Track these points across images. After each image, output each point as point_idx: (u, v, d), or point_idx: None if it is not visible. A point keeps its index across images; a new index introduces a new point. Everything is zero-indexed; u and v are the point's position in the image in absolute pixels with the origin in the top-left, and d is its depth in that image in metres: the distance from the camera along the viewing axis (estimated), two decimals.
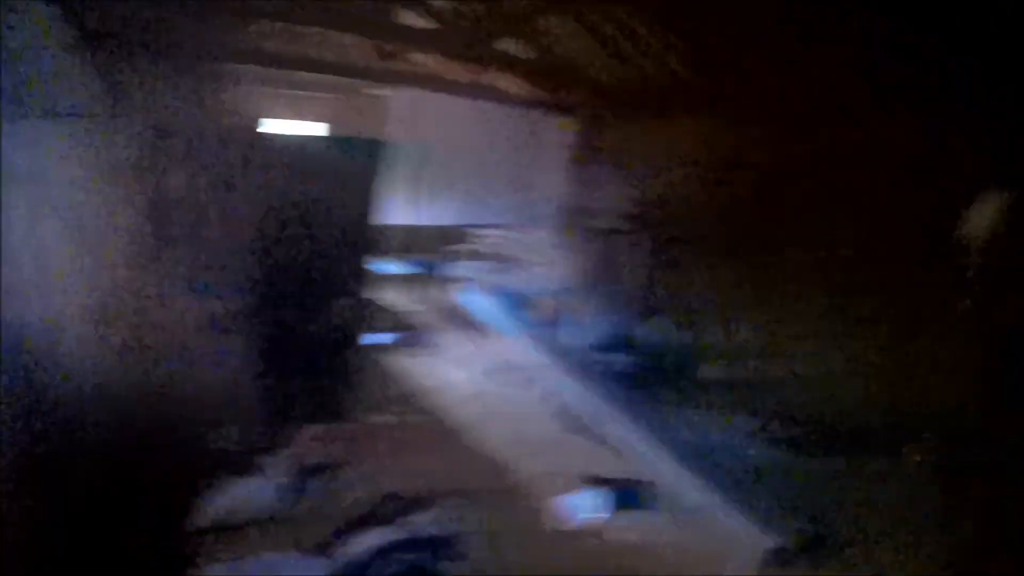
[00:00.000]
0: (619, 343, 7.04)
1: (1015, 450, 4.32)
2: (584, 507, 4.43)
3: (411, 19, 5.89)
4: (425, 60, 8.38)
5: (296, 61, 6.62)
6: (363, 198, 6.00)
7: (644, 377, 6.59)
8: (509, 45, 6.30)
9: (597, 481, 4.77)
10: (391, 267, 8.50)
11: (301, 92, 8.40)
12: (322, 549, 3.69)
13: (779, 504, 4.08)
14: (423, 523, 3.99)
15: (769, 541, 3.72)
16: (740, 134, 6.93)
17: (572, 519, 4.32)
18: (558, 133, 8.79)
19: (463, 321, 7.99)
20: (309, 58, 6.97)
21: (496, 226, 9.12)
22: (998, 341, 4.96)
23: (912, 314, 5.71)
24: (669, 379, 6.91)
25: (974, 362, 5.05)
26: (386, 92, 6.44)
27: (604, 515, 4.36)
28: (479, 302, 7.33)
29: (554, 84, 7.64)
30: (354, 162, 5.85)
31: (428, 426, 5.36)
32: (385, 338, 6.93)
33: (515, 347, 6.42)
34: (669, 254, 7.65)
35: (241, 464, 3.97)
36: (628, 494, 4.69)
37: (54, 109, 3.66)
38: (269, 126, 8.46)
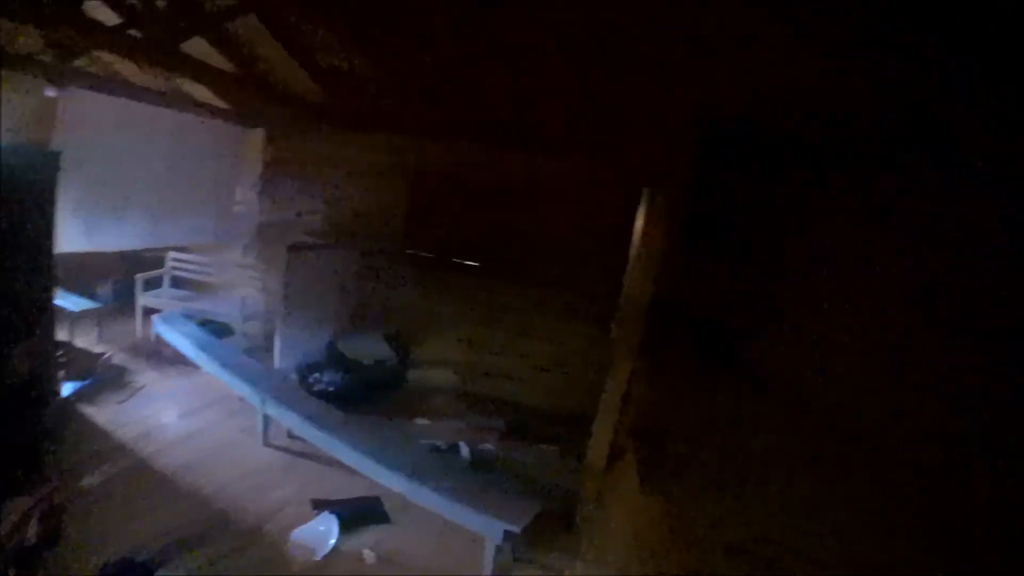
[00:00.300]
0: (330, 361, 7.05)
1: None
2: (315, 536, 4.46)
3: (99, 12, 5.35)
4: (110, 60, 7.65)
5: None
6: (39, 221, 5.34)
7: (359, 392, 6.67)
8: (202, 51, 6.00)
9: (326, 505, 4.82)
10: (78, 300, 7.53)
11: None
12: None
13: (505, 492, 4.35)
14: None
15: (500, 528, 4.01)
16: (431, 150, 7.28)
17: (307, 550, 4.32)
18: (252, 146, 8.56)
19: (162, 356, 7.42)
20: None
21: (189, 249, 8.61)
22: None
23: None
24: (383, 392, 7.08)
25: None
26: (64, 94, 5.80)
27: (335, 540, 4.45)
28: (178, 333, 6.90)
29: (247, 94, 7.39)
30: (27, 178, 5.15)
31: (139, 481, 4.93)
32: (78, 385, 6.19)
33: (222, 378, 6.16)
34: (371, 268, 7.82)
35: None
36: (359, 512, 4.79)
37: None
38: None
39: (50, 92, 5.91)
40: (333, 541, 4.44)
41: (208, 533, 4.43)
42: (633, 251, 4.47)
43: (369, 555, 4.37)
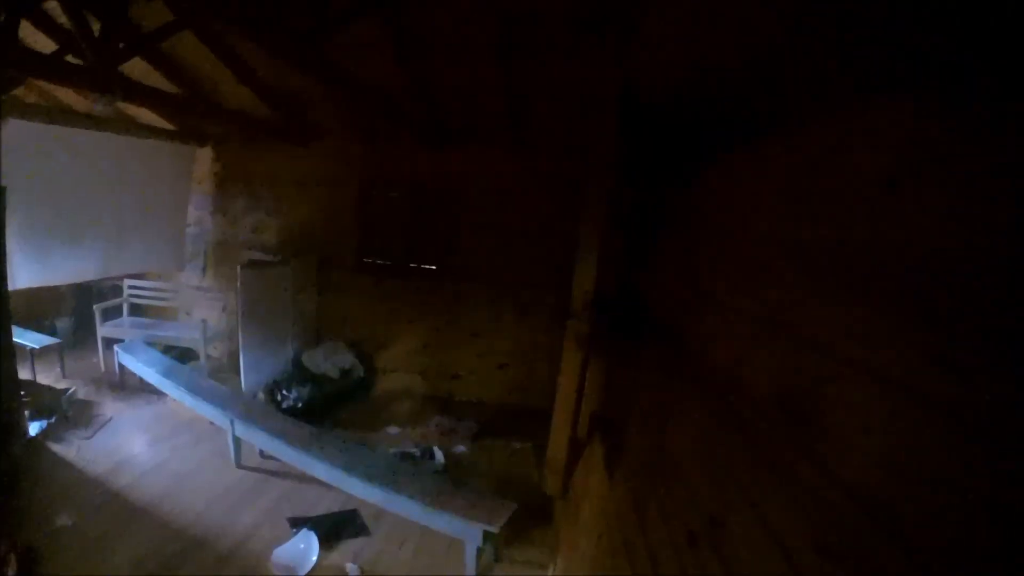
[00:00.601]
0: (296, 377, 7.04)
1: None
2: (296, 553, 4.48)
3: (33, 39, 5.31)
4: (49, 88, 7.57)
5: None
6: None
7: (327, 405, 6.70)
8: (142, 72, 5.96)
9: (304, 521, 4.84)
10: (37, 336, 7.42)
11: None
12: None
13: (480, 494, 4.41)
14: None
15: (478, 530, 4.09)
16: (378, 157, 7.34)
17: (288, 569, 4.35)
18: (200, 165, 8.48)
19: (128, 386, 7.36)
20: None
21: (145, 275, 8.53)
22: None
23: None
24: (351, 402, 7.11)
25: None
26: (4, 125, 5.71)
27: (316, 556, 4.47)
28: (141, 362, 6.82)
29: (192, 114, 7.31)
30: None
31: (112, 515, 4.86)
32: (44, 423, 6.07)
33: (189, 403, 6.12)
34: (328, 279, 7.84)
35: None
36: (337, 526, 4.81)
37: None
38: None
39: None
40: (315, 557, 4.47)
41: (188, 556, 4.45)
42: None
43: (352, 568, 4.40)
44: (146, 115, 7.63)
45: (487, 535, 4.10)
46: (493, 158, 6.97)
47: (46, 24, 5.33)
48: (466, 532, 4.18)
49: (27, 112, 6.11)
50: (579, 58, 4.70)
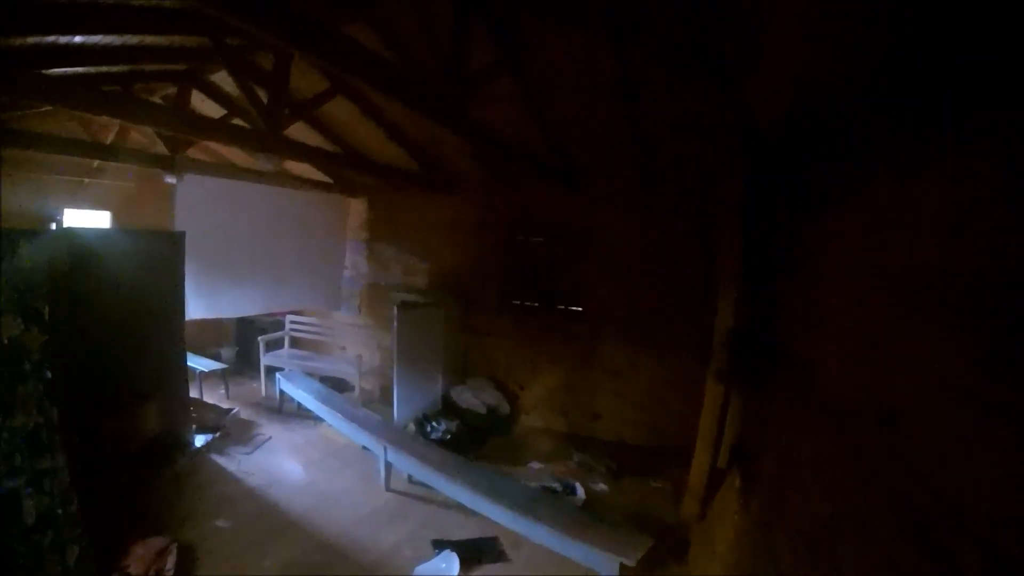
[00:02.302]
0: (444, 411, 7.17)
1: None
2: (437, 572, 4.50)
3: (206, 106, 5.94)
4: (218, 147, 8.42)
5: (88, 147, 6.45)
6: (170, 294, 5.85)
7: (473, 438, 6.76)
8: (300, 131, 6.47)
9: (446, 544, 4.86)
10: (205, 363, 8.24)
11: (95, 180, 8.09)
12: None
13: (618, 528, 4.27)
14: None
15: (615, 563, 3.93)
16: (521, 203, 7.51)
17: None
18: (356, 213, 9.01)
19: (285, 411, 7.86)
20: (100, 145, 6.81)
21: (305, 312, 9.10)
22: None
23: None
24: (495, 437, 7.15)
25: None
26: (180, 180, 6.37)
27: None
28: (300, 389, 7.24)
29: (345, 168, 7.88)
30: (159, 254, 5.71)
31: (266, 523, 5.15)
32: (208, 437, 6.59)
33: (345, 429, 6.40)
34: (474, 319, 7.99)
35: None
36: (477, 550, 4.81)
37: None
38: (68, 215, 8.11)
39: (169, 179, 6.45)
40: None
41: (332, 568, 4.57)
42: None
43: None
44: (305, 169, 8.27)
45: (623, 568, 3.99)
46: (626, 201, 6.93)
47: (213, 93, 5.86)
48: (602, 564, 4.03)
49: (199, 168, 6.72)
50: (699, 96, 4.70)
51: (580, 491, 5.75)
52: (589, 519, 4.50)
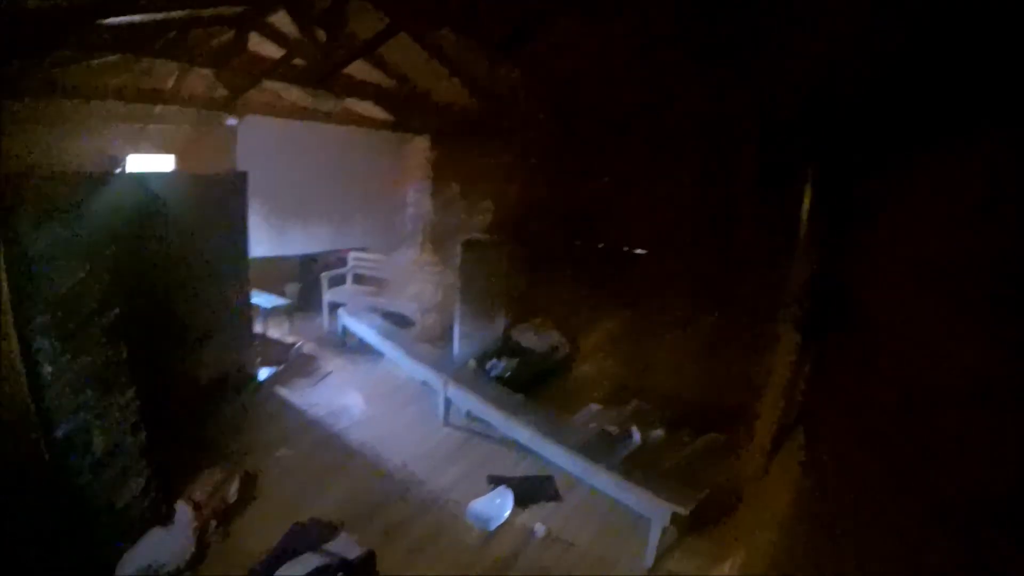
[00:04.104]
0: (504, 349, 7.18)
1: None
2: (492, 507, 4.57)
3: (262, 48, 5.93)
4: (278, 88, 8.42)
5: (149, 94, 6.55)
6: (236, 232, 5.95)
7: (532, 379, 6.76)
8: (360, 70, 6.41)
9: (502, 480, 4.92)
10: (269, 299, 8.39)
11: (156, 126, 8.22)
12: None
13: (671, 478, 4.24)
14: (337, 547, 4.00)
15: (668, 511, 3.89)
16: (583, 151, 7.34)
17: (482, 521, 4.44)
18: (419, 151, 8.96)
19: (347, 347, 8.03)
20: (162, 91, 6.91)
21: (368, 249, 9.18)
22: None
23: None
24: (554, 379, 7.15)
25: None
26: (242, 121, 6.43)
27: (509, 512, 4.53)
28: (363, 325, 7.36)
29: (408, 108, 7.83)
30: (222, 195, 5.80)
31: (327, 455, 5.34)
32: (272, 371, 6.88)
33: (405, 364, 6.51)
34: (539, 260, 7.91)
35: (144, 518, 3.88)
36: (532, 489, 4.85)
37: None
38: (127, 162, 8.26)
39: (231, 122, 6.48)
40: (507, 513, 4.52)
41: (390, 500, 4.71)
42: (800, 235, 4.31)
43: (540, 529, 4.38)
44: (366, 109, 8.14)
45: (675, 517, 3.97)
46: (691, 148, 6.67)
47: (272, 34, 5.81)
48: (655, 511, 3.99)
49: (260, 110, 6.73)
50: None
51: (637, 437, 5.71)
52: (644, 466, 4.46)
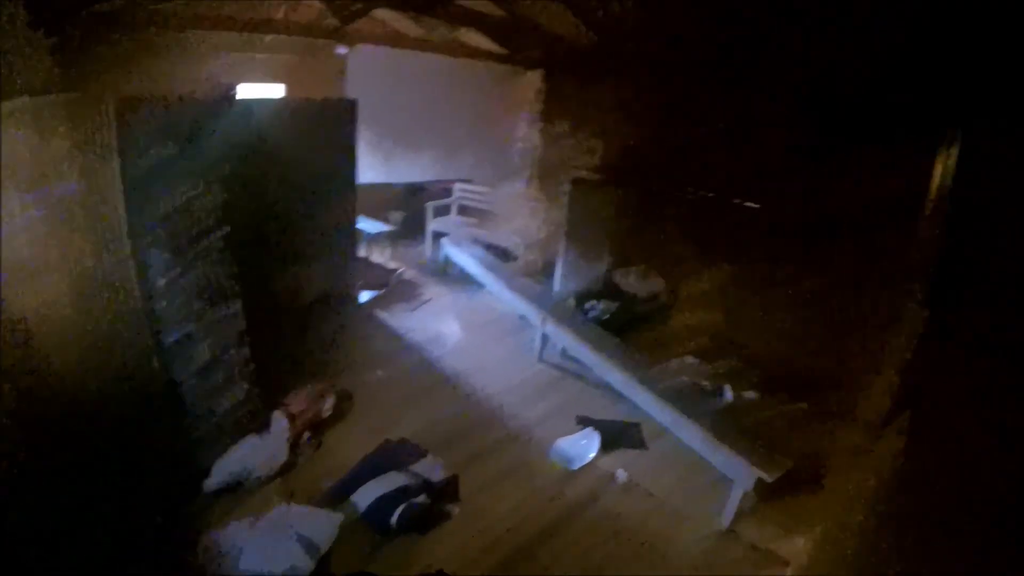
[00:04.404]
0: (605, 291, 7.15)
1: None
2: (576, 448, 4.60)
3: None
4: (389, 18, 8.43)
5: (260, 24, 6.70)
6: (344, 158, 6.06)
7: (631, 323, 6.71)
8: (474, 1, 6.34)
9: (590, 422, 4.94)
10: (373, 225, 8.63)
11: (266, 55, 8.41)
12: (327, 499, 3.85)
13: (759, 442, 4.14)
14: (422, 469, 4.13)
15: (752, 475, 3.80)
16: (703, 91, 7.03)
17: (565, 460, 4.47)
18: (531, 85, 8.86)
19: (448, 276, 8.17)
20: (272, 20, 7.05)
21: (474, 181, 9.24)
22: None
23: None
24: (653, 325, 7.07)
25: None
26: (351, 51, 6.50)
27: (594, 454, 4.54)
28: (465, 255, 7.46)
29: (518, 40, 7.73)
30: (332, 121, 5.90)
31: (421, 379, 5.51)
32: (373, 294, 7.10)
33: (505, 297, 6.57)
34: (647, 204, 7.76)
35: (242, 425, 4.08)
36: (618, 434, 4.86)
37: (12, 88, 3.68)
38: (237, 90, 8.51)
39: (340, 50, 6.54)
40: (592, 456, 4.52)
41: (478, 429, 4.82)
42: (927, 204, 4.07)
43: (621, 475, 4.36)
44: (478, 40, 8.05)
45: (758, 482, 3.89)
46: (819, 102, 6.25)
47: None
48: (739, 473, 3.87)
49: (370, 39, 6.75)
50: None
51: (729, 395, 5.59)
52: (734, 426, 4.37)
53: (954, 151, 3.20)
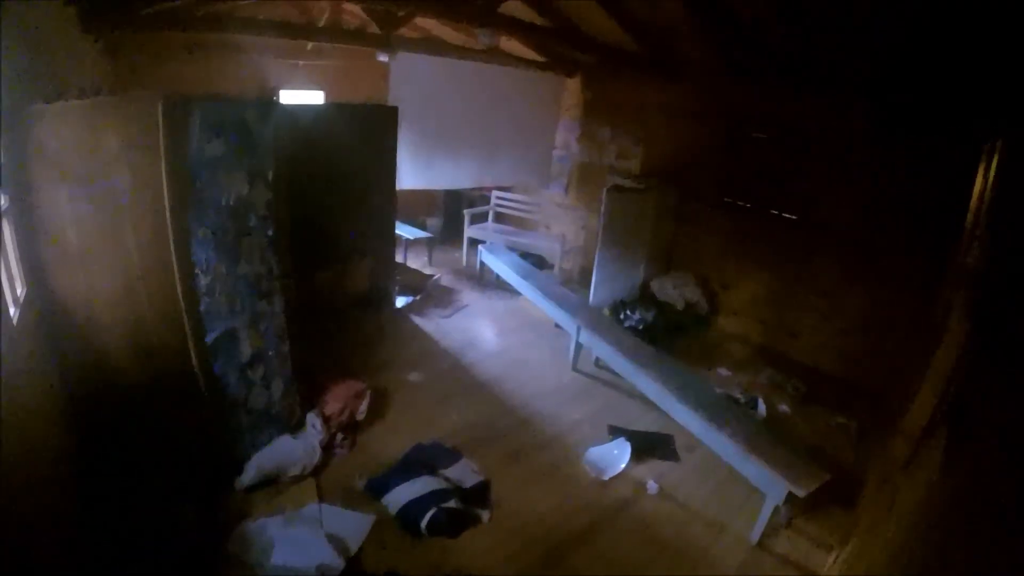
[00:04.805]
0: (641, 300, 7.14)
1: None
2: (609, 456, 4.60)
3: None
4: (429, 26, 8.53)
5: (303, 30, 6.82)
6: (384, 164, 6.14)
7: (666, 333, 6.69)
8: (515, 9, 6.36)
9: (622, 432, 4.94)
10: (413, 230, 8.77)
11: (308, 61, 8.56)
12: (360, 498, 3.89)
13: (793, 455, 4.10)
14: (455, 473, 4.16)
15: (784, 489, 3.75)
16: (744, 97, 6.98)
17: (597, 468, 4.48)
18: (570, 93, 8.88)
19: (484, 282, 8.23)
20: (316, 27, 7.17)
21: (511, 188, 9.31)
22: None
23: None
24: (689, 335, 7.04)
25: None
26: (394, 58, 6.57)
27: (625, 464, 4.53)
28: (501, 262, 7.50)
29: (560, 46, 7.77)
30: (373, 127, 5.98)
31: (455, 382, 5.56)
32: (409, 299, 7.18)
33: (540, 304, 6.59)
34: (685, 213, 7.73)
35: (278, 423, 4.14)
36: (651, 445, 4.85)
37: (66, 89, 3.78)
38: (283, 94, 8.68)
39: (382, 58, 6.64)
40: (623, 465, 4.50)
41: (511, 433, 4.86)
42: (971, 214, 4.00)
43: (652, 486, 4.34)
44: (518, 48, 8.19)
45: (790, 496, 3.85)
46: (865, 113, 6.16)
47: None
48: (771, 486, 3.83)
49: (412, 46, 6.85)
50: None
51: (762, 408, 5.55)
52: (768, 439, 4.31)
53: (996, 160, 3.15)
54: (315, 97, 9.14)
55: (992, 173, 3.41)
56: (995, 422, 2.14)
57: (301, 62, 8.70)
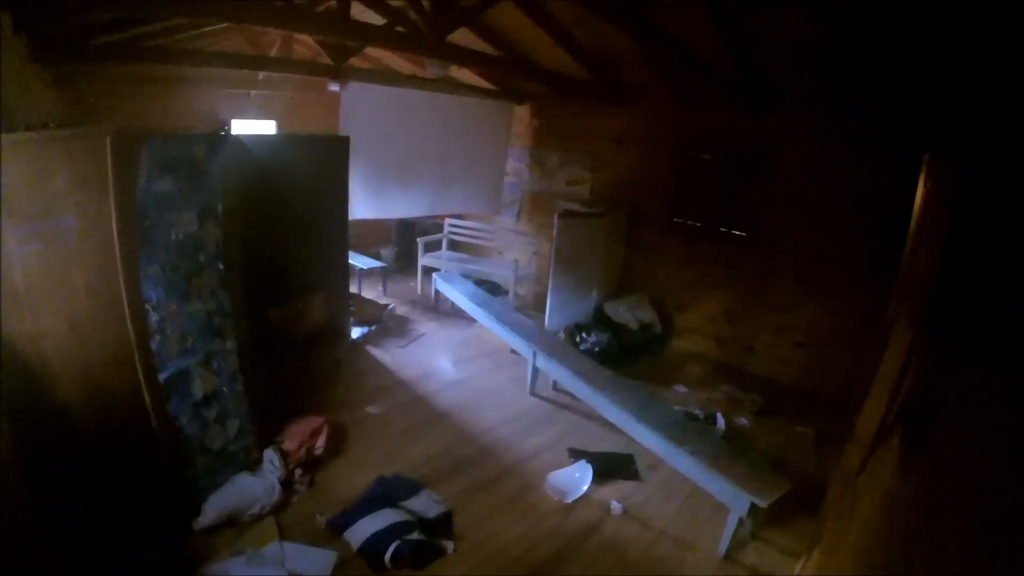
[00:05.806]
0: (596, 323, 7.17)
1: None
2: (571, 480, 4.59)
3: (366, 16, 6.00)
4: (379, 55, 8.57)
5: (254, 60, 6.78)
6: (335, 194, 6.10)
7: (623, 354, 6.74)
8: (466, 39, 6.42)
9: (583, 455, 4.94)
10: (366, 260, 8.73)
11: (259, 91, 8.53)
12: (322, 535, 3.82)
13: (755, 468, 4.14)
14: (417, 505, 4.11)
15: (747, 501, 3.79)
16: (692, 120, 7.12)
17: (560, 492, 4.46)
18: (520, 120, 8.96)
19: (440, 310, 8.23)
20: (267, 58, 7.14)
21: (464, 216, 9.34)
22: None
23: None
24: (645, 355, 7.10)
25: None
26: (345, 88, 6.57)
27: (587, 487, 4.53)
28: (456, 290, 7.50)
29: (510, 75, 7.86)
30: (324, 158, 5.95)
31: (414, 414, 5.51)
32: (365, 330, 7.12)
33: (497, 331, 6.59)
34: (636, 235, 7.82)
35: (235, 461, 4.06)
36: (612, 466, 4.85)
37: (13, 122, 3.70)
38: (235, 125, 8.61)
39: (333, 87, 6.68)
40: (585, 488, 4.50)
41: (473, 463, 4.81)
42: (913, 223, 4.11)
43: (616, 507, 4.35)
44: (469, 77, 8.32)
45: (753, 508, 3.88)
46: (810, 128, 6.36)
47: (373, 3, 5.85)
48: (734, 500, 3.87)
49: (363, 76, 6.90)
50: None
51: (721, 422, 5.62)
52: (729, 453, 4.34)
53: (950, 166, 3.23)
54: (267, 127, 9.08)
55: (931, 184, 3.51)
56: (949, 425, 2.18)
57: (253, 92, 8.64)
